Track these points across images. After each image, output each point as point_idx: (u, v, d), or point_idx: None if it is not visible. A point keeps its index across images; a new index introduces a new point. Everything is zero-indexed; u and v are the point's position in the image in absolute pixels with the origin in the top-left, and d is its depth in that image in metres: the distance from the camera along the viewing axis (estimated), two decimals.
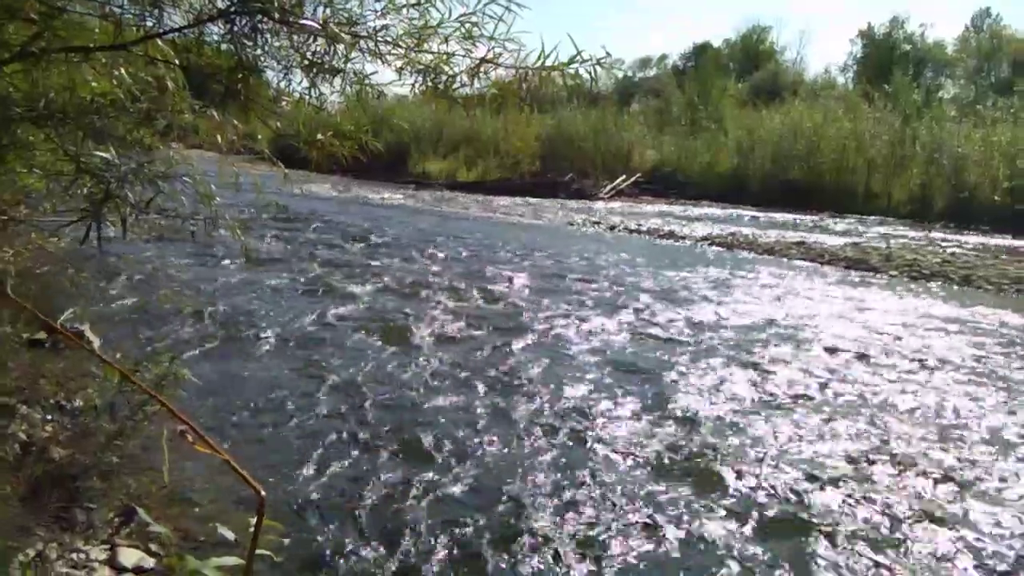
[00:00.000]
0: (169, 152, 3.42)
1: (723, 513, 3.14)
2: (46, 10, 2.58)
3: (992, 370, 5.57)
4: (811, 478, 3.51)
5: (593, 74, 2.80)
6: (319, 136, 2.70)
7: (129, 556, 2.02)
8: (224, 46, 2.90)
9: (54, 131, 2.66)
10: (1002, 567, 2.82)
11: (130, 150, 2.72)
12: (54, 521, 2.22)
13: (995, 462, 3.82)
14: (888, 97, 24.51)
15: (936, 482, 3.54)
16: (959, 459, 3.83)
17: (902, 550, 2.90)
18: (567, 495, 3.20)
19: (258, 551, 0.99)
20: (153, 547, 2.26)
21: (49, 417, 2.83)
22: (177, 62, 3.28)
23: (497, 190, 22.61)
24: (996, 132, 20.56)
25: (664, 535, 2.92)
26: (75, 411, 2.91)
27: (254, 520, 1.02)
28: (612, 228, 15.04)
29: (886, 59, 34.94)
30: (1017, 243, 14.50)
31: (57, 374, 3.32)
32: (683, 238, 13.76)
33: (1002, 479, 3.61)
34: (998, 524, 3.15)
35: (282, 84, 3.23)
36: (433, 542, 2.70)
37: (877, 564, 2.78)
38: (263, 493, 0.97)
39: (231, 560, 1.11)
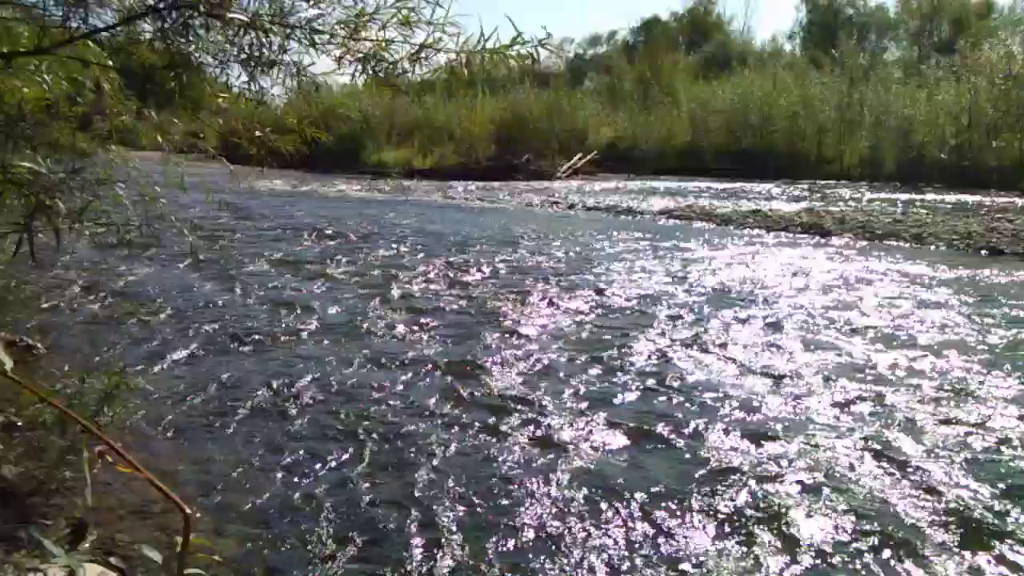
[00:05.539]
0: (109, 156, 3.33)
1: (685, 480, 3.17)
2: None
3: (941, 325, 5.69)
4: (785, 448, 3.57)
5: (536, 55, 2.78)
6: (257, 132, 2.64)
7: (90, 571, 1.97)
8: (157, 44, 2.82)
9: None
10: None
11: (63, 156, 2.64)
12: (8, 541, 2.16)
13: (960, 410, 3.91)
14: (835, 62, 24.85)
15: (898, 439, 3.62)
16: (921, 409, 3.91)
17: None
18: (529, 481, 3.20)
19: (189, 570, 0.97)
20: (114, 561, 2.22)
21: None
22: (111, 63, 3.19)
23: (454, 176, 22.53)
24: (940, 91, 20.98)
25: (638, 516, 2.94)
26: (26, 428, 2.83)
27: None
28: (571, 207, 15.06)
29: (831, 24, 35.34)
30: (964, 198, 14.84)
31: (6, 390, 3.23)
32: (641, 213, 13.82)
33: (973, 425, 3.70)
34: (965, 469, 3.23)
35: (220, 80, 3.16)
36: (384, 552, 2.66)
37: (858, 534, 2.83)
38: (188, 511, 0.95)
39: None
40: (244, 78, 2.84)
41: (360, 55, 2.71)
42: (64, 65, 3.03)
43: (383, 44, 2.68)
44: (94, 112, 3.36)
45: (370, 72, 2.76)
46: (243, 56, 2.71)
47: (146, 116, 3.33)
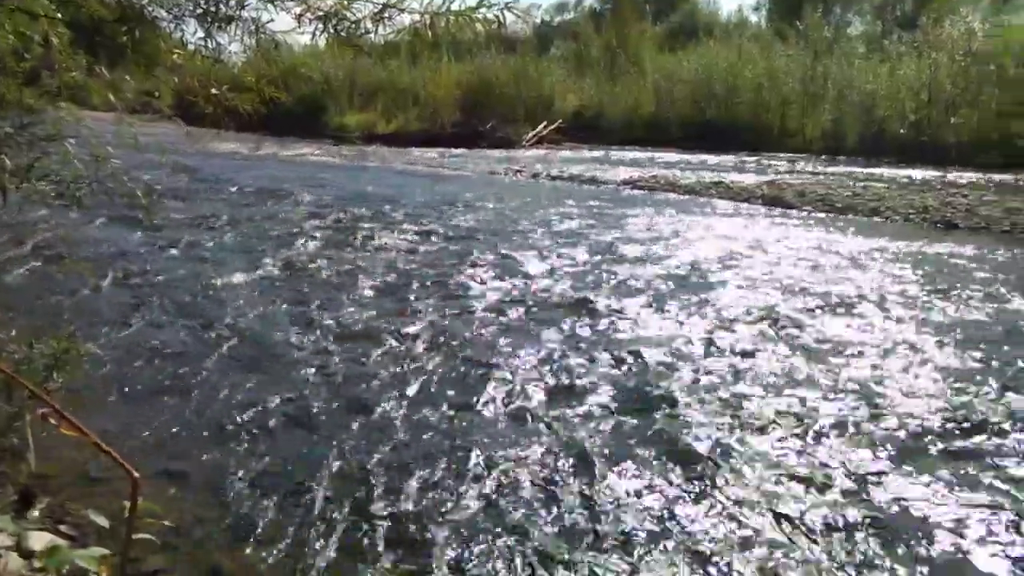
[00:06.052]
0: (58, 113, 3.21)
1: (642, 455, 3.21)
2: None
3: (890, 295, 5.81)
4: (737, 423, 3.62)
5: (502, 19, 2.72)
6: (213, 90, 2.56)
7: (38, 540, 1.93)
8: None
9: None
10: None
11: (9, 112, 2.54)
12: None
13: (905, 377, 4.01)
14: (799, 35, 24.92)
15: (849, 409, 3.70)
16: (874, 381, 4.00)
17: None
18: (469, 451, 3.21)
19: (138, 535, 0.94)
20: (64, 528, 2.18)
21: None
22: (59, 16, 3.06)
23: (418, 141, 22.24)
24: (902, 66, 21.17)
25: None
26: None
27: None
28: (535, 176, 14.99)
29: None
30: (922, 173, 15.08)
31: None
32: (605, 183, 13.83)
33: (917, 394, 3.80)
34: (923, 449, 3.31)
35: (175, 36, 3.05)
36: (338, 517, 2.66)
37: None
38: (136, 474, 0.92)
39: (98, 551, 1.06)
40: (200, 34, 2.75)
41: (320, 13, 2.63)
42: (11, 17, 2.90)
43: (344, 2, 2.61)
44: (42, 67, 3.23)
45: (331, 31, 2.68)
46: (199, 11, 2.62)
47: (97, 72, 3.20)
